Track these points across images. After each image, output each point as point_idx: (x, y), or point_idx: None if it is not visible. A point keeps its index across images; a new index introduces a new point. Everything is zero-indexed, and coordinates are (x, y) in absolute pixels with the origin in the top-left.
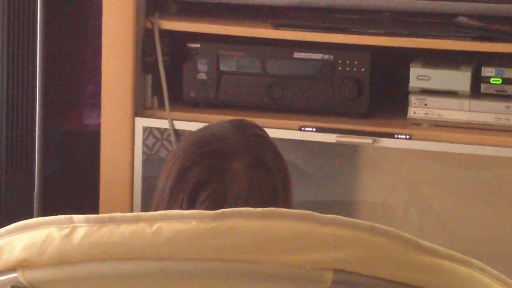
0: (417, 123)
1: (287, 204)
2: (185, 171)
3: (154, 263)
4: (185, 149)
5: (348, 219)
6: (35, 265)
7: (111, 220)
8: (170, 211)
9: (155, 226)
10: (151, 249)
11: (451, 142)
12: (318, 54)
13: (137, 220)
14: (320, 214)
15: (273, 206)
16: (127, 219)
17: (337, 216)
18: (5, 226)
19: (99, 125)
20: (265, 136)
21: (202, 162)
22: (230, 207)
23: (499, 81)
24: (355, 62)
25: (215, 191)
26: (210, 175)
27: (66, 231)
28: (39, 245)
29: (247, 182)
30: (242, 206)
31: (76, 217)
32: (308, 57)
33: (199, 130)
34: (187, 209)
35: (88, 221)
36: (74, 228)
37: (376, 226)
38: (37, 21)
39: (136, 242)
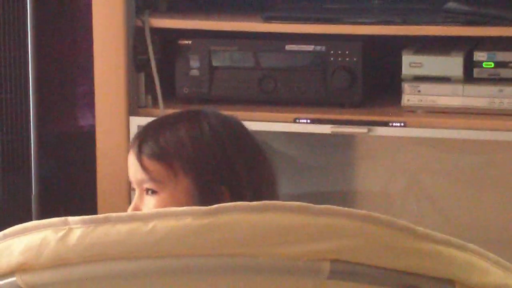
0: (411, 110)
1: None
2: None
3: (151, 262)
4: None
5: (343, 208)
6: (33, 269)
7: (106, 220)
8: (164, 209)
9: (151, 225)
10: (147, 248)
11: (446, 128)
12: (309, 46)
13: (132, 219)
14: (314, 205)
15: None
16: (122, 219)
17: (331, 206)
18: (4, 229)
19: (93, 125)
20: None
21: None
22: None
23: (492, 65)
24: (347, 52)
25: None
26: None
27: (61, 233)
28: (36, 248)
29: None
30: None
31: (71, 218)
32: (300, 49)
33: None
34: None
35: (83, 222)
36: (70, 230)
37: (370, 214)
38: (27, 22)
39: (132, 241)
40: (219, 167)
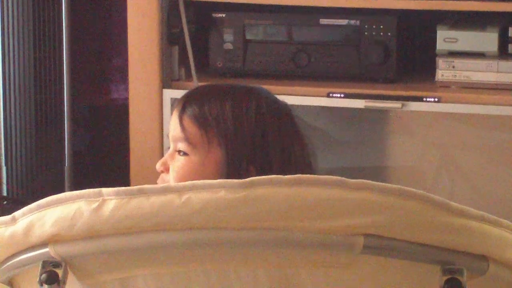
0: (445, 85)
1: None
2: None
3: (185, 234)
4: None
5: (377, 183)
6: (65, 240)
7: (140, 192)
8: (198, 181)
9: (185, 197)
10: (181, 220)
11: (480, 104)
12: (344, 20)
13: (166, 191)
14: (349, 180)
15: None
16: (156, 191)
17: (366, 180)
18: (38, 201)
19: (127, 98)
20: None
21: None
22: None
23: None
24: (381, 27)
25: None
26: None
27: (95, 204)
28: (69, 219)
29: None
30: None
31: (105, 190)
32: (334, 23)
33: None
34: None
35: (117, 194)
36: (104, 201)
37: (405, 189)
38: None
39: (166, 213)
40: (254, 148)
